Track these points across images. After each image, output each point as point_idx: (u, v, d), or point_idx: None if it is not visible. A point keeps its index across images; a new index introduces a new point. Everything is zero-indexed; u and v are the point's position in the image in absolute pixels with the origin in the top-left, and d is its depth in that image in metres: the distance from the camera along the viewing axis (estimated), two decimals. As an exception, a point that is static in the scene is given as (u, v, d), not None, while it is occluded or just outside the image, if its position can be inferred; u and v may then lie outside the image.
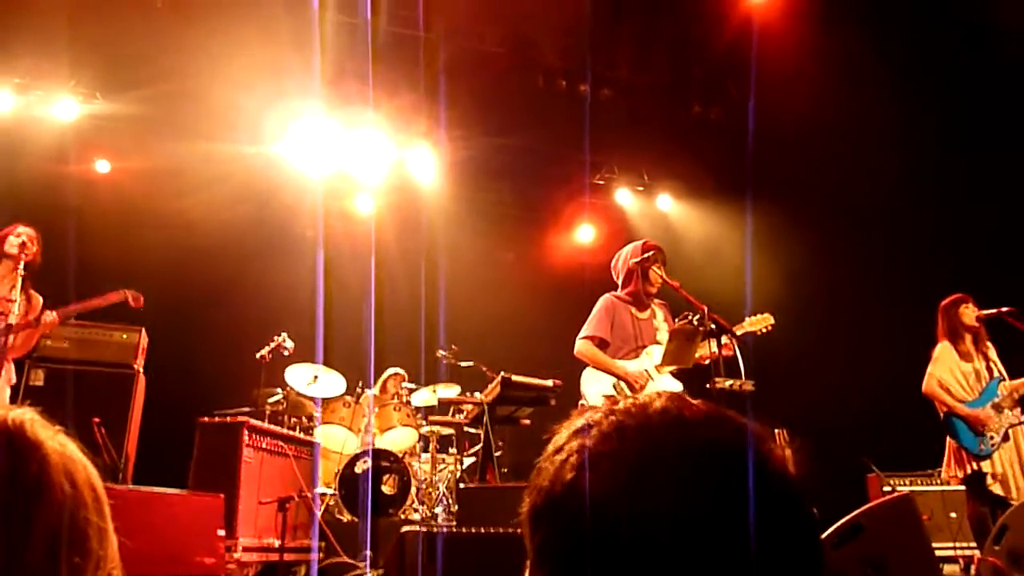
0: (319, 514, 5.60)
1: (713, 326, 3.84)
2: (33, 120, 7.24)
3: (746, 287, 6.45)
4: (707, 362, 3.99)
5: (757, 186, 7.48)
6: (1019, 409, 4.76)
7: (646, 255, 4.49)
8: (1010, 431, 4.67)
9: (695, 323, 3.95)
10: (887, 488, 6.43)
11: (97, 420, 5.73)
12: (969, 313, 4.86)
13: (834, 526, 3.41)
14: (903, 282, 6.87)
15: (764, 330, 4.24)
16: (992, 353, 4.89)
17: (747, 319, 4.18)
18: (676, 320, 4.18)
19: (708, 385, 3.69)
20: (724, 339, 3.85)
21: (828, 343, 7.18)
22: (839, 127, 7.08)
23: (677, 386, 4.19)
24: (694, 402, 0.64)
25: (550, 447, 0.66)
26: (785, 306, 6.25)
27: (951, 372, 4.85)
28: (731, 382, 3.68)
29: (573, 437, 0.64)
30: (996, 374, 4.83)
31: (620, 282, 4.59)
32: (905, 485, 6.58)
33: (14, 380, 4.84)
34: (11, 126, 7.13)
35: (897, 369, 5.24)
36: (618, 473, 0.59)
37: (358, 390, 6.84)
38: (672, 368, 4.22)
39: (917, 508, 4.00)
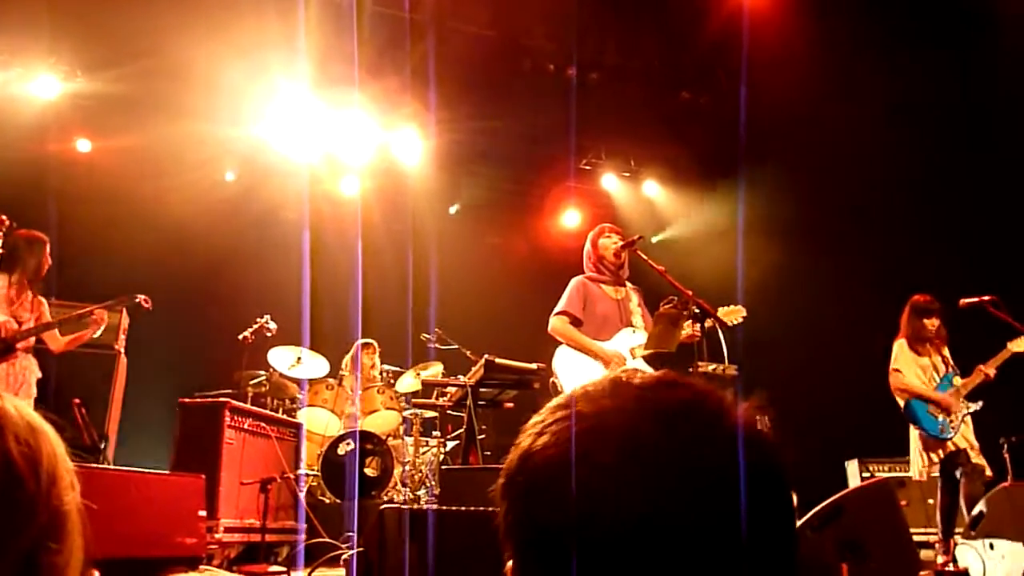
0: (303, 495, 5.59)
1: (697, 310, 3.85)
2: (12, 98, 7.12)
3: (735, 272, 6.47)
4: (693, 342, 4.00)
5: (745, 173, 7.49)
6: (967, 402, 4.99)
7: (595, 230, 4.73)
8: (963, 419, 4.87)
9: (679, 307, 3.96)
10: (866, 474, 6.51)
11: (78, 401, 5.69)
12: (931, 325, 5.02)
13: (814, 510, 3.45)
14: (888, 269, 6.92)
15: (737, 321, 4.26)
16: (945, 351, 5.07)
17: (720, 310, 4.19)
18: (661, 304, 4.18)
19: (691, 369, 3.70)
20: (708, 323, 3.86)
21: (812, 329, 7.23)
22: (829, 113, 7.09)
23: (649, 371, 4.19)
24: (679, 379, 0.63)
25: (529, 424, 0.65)
26: (770, 292, 6.30)
27: (909, 367, 5.01)
28: (714, 366, 3.70)
29: (550, 413, 0.63)
30: (949, 369, 4.99)
31: (585, 265, 4.66)
32: (883, 471, 6.67)
33: (39, 374, 4.84)
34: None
35: (879, 357, 5.29)
36: (590, 445, 0.58)
37: (341, 372, 6.82)
38: (648, 352, 4.24)
39: (895, 494, 4.06)
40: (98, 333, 5.09)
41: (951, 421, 4.84)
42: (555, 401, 0.64)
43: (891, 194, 7.17)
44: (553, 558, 0.56)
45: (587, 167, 9.23)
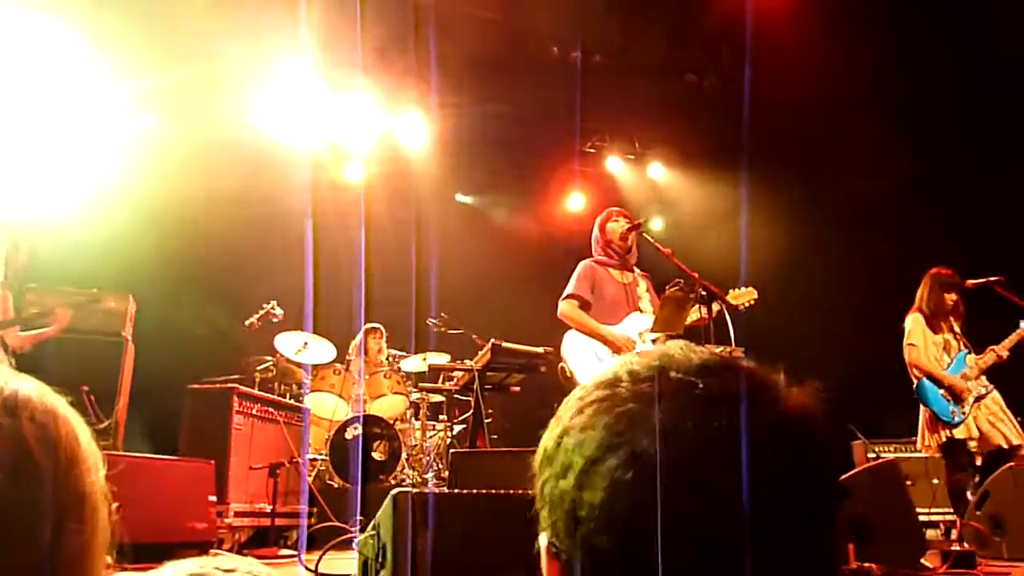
0: (309, 479, 5.63)
1: (704, 293, 3.84)
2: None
3: (739, 255, 6.46)
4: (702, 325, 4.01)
5: (750, 155, 7.45)
6: (984, 378, 4.93)
7: (603, 214, 4.73)
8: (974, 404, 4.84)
9: (686, 290, 3.96)
10: (872, 455, 6.52)
11: (86, 388, 5.72)
12: (950, 300, 4.98)
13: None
14: (893, 250, 6.90)
15: (747, 304, 4.25)
16: (956, 327, 5.03)
17: (731, 292, 4.18)
18: (667, 287, 4.18)
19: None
20: (715, 306, 3.86)
21: (817, 310, 7.22)
22: (834, 95, 7.05)
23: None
24: (728, 363, 0.63)
25: (570, 397, 0.64)
26: (776, 273, 6.28)
27: (924, 343, 4.97)
28: (720, 349, 3.69)
29: (592, 389, 0.62)
30: (962, 347, 4.96)
31: (593, 249, 4.66)
32: (889, 452, 6.69)
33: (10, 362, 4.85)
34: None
35: (884, 337, 5.29)
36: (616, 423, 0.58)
37: (348, 357, 6.84)
38: (657, 336, 4.24)
39: (901, 474, 4.07)
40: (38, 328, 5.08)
41: (963, 407, 4.82)
42: (599, 377, 0.63)
43: (899, 172, 7.13)
44: (589, 538, 0.56)
45: (591, 150, 9.19)
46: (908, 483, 4.83)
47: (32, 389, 0.66)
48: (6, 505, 0.59)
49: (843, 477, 3.55)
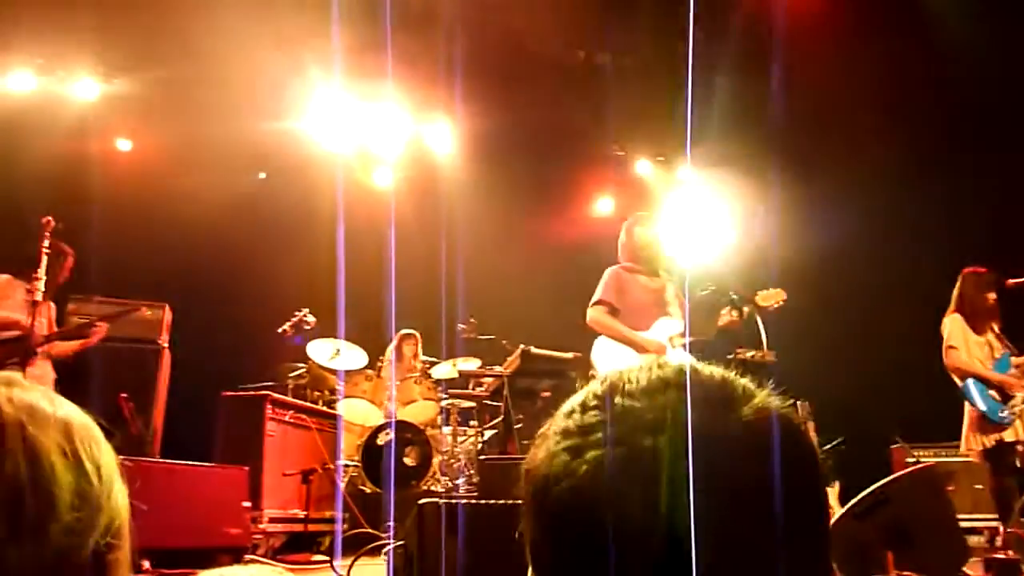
0: (342, 485, 5.67)
1: (735, 296, 3.80)
2: (55, 101, 7.28)
3: (768, 257, 6.38)
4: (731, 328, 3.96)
5: (781, 154, 7.36)
6: None
7: (630, 219, 4.69)
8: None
9: (716, 293, 3.92)
10: (911, 459, 6.39)
11: (124, 395, 5.83)
12: (991, 299, 4.85)
13: (858, 496, 3.40)
14: (929, 250, 6.75)
15: (777, 304, 4.18)
16: (997, 328, 4.90)
17: (759, 294, 4.11)
18: (699, 290, 4.14)
19: (729, 356, 3.66)
20: (746, 309, 3.82)
21: (852, 312, 7.10)
22: (865, 92, 6.93)
23: (690, 359, 4.16)
24: (698, 370, 0.61)
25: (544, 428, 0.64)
26: (808, 275, 6.20)
27: (966, 345, 4.83)
28: (752, 352, 3.65)
29: (561, 419, 0.62)
30: (1005, 347, 4.83)
31: (620, 255, 4.64)
32: (930, 456, 6.54)
33: (55, 375, 4.97)
34: (33, 107, 7.17)
35: (922, 339, 5.17)
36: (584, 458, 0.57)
37: (379, 363, 6.88)
38: (687, 341, 4.20)
39: (942, 479, 3.98)
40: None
41: (1013, 405, 4.68)
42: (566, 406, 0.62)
43: (933, 170, 6.99)
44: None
45: (620, 153, 9.15)
46: (950, 488, 4.72)
47: (76, 414, 0.68)
48: (73, 527, 0.61)
49: (880, 483, 3.48)
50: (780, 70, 6.78)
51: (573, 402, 0.62)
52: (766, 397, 0.59)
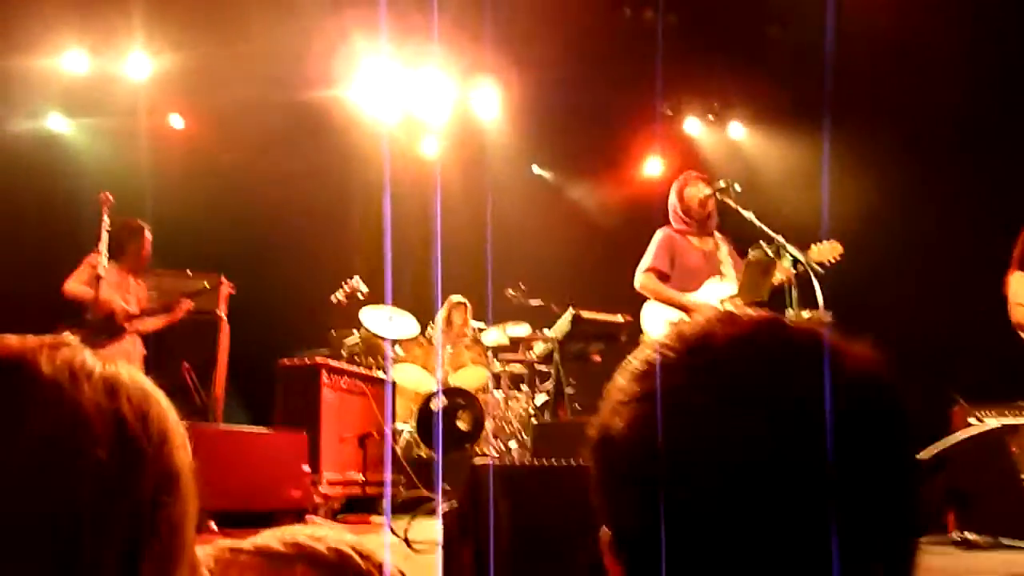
0: (397, 449, 5.78)
1: (787, 254, 3.72)
2: (107, 79, 7.43)
3: (822, 215, 6.21)
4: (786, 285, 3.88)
5: (835, 110, 7.12)
6: None
7: (679, 179, 4.59)
8: None
9: (769, 253, 3.84)
10: (973, 420, 6.22)
11: (187, 365, 6.02)
12: None
13: (919, 457, 3.33)
14: (988, 205, 6.49)
15: (833, 260, 4.06)
16: None
17: (814, 247, 3.98)
18: (750, 250, 4.06)
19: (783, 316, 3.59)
20: (799, 268, 3.74)
21: (909, 270, 6.90)
22: (922, 46, 6.64)
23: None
24: (755, 316, 0.59)
25: (615, 378, 0.63)
26: (864, 233, 6.02)
27: None
28: (807, 313, 3.58)
29: (634, 370, 0.60)
30: None
31: (671, 216, 4.56)
32: (993, 417, 6.36)
33: (143, 351, 5.19)
34: (87, 86, 7.35)
35: (983, 297, 4.99)
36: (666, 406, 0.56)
37: (429, 330, 6.97)
38: (743, 301, 4.13)
39: (1006, 441, 3.87)
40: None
41: None
42: (636, 366, 0.60)
43: (992, 124, 6.69)
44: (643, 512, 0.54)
45: (669, 113, 8.97)
46: (1014, 450, 4.60)
47: (124, 371, 0.69)
48: (111, 481, 0.62)
49: (943, 445, 3.40)
50: (835, 18, 6.53)
51: (645, 357, 0.59)
52: (867, 354, 0.57)
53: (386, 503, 4.93)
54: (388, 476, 5.21)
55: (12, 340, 0.64)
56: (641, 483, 0.54)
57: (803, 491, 0.51)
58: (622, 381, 0.59)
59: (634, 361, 0.60)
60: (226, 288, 6.15)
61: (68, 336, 0.69)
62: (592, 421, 0.62)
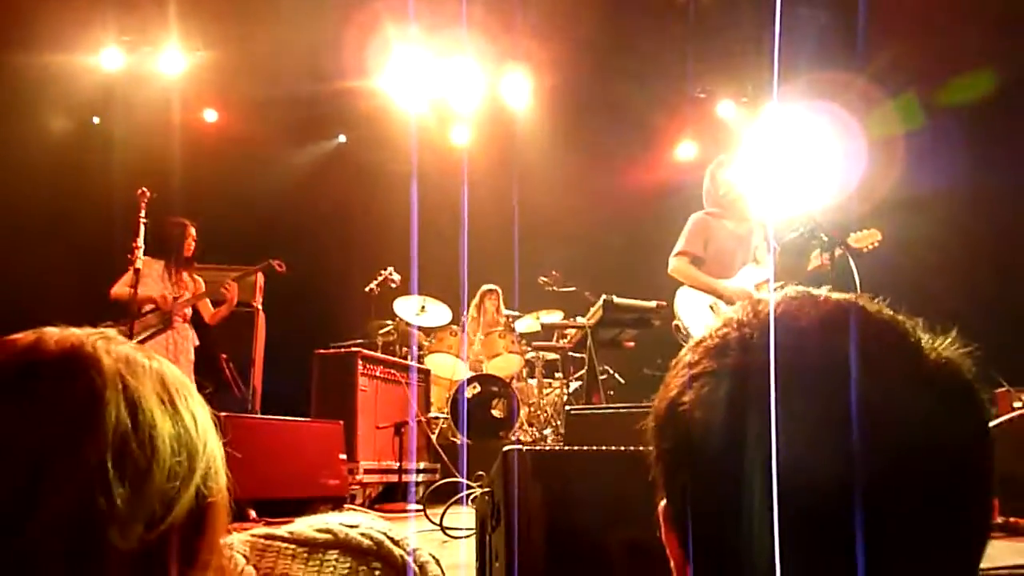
0: (432, 437, 5.82)
1: (825, 238, 3.66)
2: (143, 76, 7.55)
3: (864, 194, 6.09)
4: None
5: (871, 86, 6.96)
6: None
7: (713, 163, 4.53)
8: None
9: (805, 236, 3.77)
10: (1018, 404, 6.08)
11: (225, 356, 6.13)
12: None
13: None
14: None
15: (872, 246, 3.98)
16: None
17: (852, 235, 3.91)
18: (788, 234, 3.99)
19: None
20: (838, 251, 3.67)
21: (950, 250, 6.73)
22: (963, 13, 6.45)
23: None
24: (814, 295, 0.58)
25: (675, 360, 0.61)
26: (903, 213, 5.89)
27: None
28: (844, 298, 3.52)
29: (691, 353, 0.59)
30: None
31: (705, 200, 4.50)
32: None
33: (197, 342, 5.30)
34: (123, 82, 7.47)
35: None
36: (713, 391, 0.54)
37: (463, 319, 7.00)
38: (779, 285, 4.07)
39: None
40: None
41: None
42: (707, 340, 0.59)
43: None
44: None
45: (702, 95, 8.85)
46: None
47: (169, 367, 0.71)
48: (174, 472, 0.64)
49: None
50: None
51: (720, 333, 0.58)
52: (944, 344, 0.56)
53: (410, 490, 4.97)
54: (413, 464, 5.25)
55: (73, 333, 0.66)
56: (708, 461, 0.54)
57: (880, 483, 0.49)
58: (694, 356, 0.58)
59: (708, 336, 0.59)
60: (277, 271, 6.22)
61: (108, 330, 0.71)
62: (659, 394, 0.60)
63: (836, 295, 0.58)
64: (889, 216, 4.40)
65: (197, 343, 5.33)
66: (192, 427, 0.67)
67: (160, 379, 0.67)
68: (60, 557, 0.57)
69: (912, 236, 5.77)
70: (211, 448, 0.69)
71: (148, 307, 5.06)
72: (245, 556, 0.89)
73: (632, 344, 5.40)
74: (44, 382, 0.61)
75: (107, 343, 0.66)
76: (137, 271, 4.82)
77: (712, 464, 0.54)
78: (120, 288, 5.03)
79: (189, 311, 5.30)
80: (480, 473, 4.17)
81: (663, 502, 0.60)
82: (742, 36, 7.88)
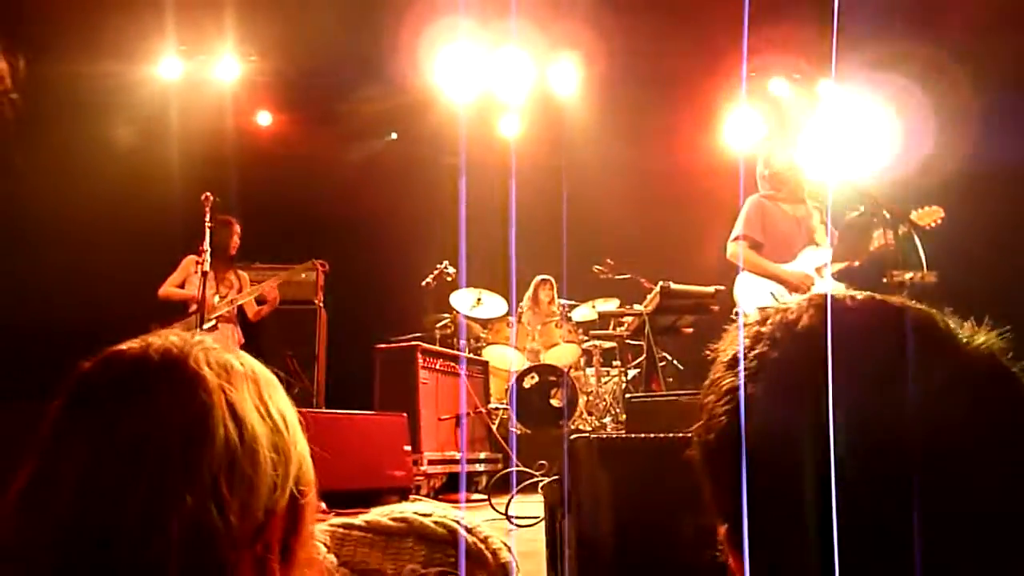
0: (493, 427, 5.87)
1: (887, 216, 3.56)
2: (200, 83, 7.76)
3: (928, 170, 5.89)
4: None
5: (928, 57, 6.72)
6: None
7: (764, 145, 4.38)
8: None
9: (867, 214, 3.68)
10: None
11: (289, 353, 6.29)
12: None
13: None
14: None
15: (934, 223, 3.85)
16: None
17: (914, 212, 3.80)
18: (847, 213, 3.90)
19: (884, 279, 3.45)
20: (901, 229, 3.57)
21: (1018, 226, 6.47)
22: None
23: (840, 289, 3.94)
24: (850, 299, 0.58)
25: (707, 382, 0.62)
26: (968, 189, 5.69)
27: None
28: (910, 274, 3.42)
29: (726, 373, 0.59)
30: None
31: (760, 184, 4.41)
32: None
33: (242, 340, 5.46)
34: (181, 90, 7.69)
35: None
36: (768, 415, 0.55)
37: (519, 310, 7.03)
38: (838, 267, 3.98)
39: None
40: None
41: None
42: (725, 352, 0.60)
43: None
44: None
45: (753, 74, 8.67)
46: None
47: (259, 367, 0.74)
48: (276, 481, 0.67)
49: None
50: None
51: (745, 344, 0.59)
52: (986, 335, 0.56)
53: (461, 480, 5.03)
54: (463, 454, 5.31)
55: (174, 343, 0.69)
56: (769, 481, 0.54)
57: (927, 483, 0.50)
58: (734, 381, 0.58)
59: (728, 350, 0.60)
60: (320, 271, 6.34)
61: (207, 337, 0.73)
62: (702, 424, 0.61)
63: (860, 294, 0.58)
64: (955, 193, 4.25)
65: (242, 341, 5.45)
66: (284, 430, 0.69)
67: (255, 383, 0.70)
68: (180, 571, 0.59)
69: (978, 214, 5.58)
70: (301, 448, 0.71)
71: (194, 307, 5.20)
72: (326, 545, 0.94)
73: (690, 330, 5.35)
74: (155, 398, 0.64)
75: (206, 353, 0.69)
76: (205, 274, 4.96)
77: (774, 483, 0.54)
78: (167, 288, 5.20)
79: (234, 309, 5.43)
80: (542, 462, 4.21)
81: (723, 527, 0.60)
82: (792, 12, 7.68)
